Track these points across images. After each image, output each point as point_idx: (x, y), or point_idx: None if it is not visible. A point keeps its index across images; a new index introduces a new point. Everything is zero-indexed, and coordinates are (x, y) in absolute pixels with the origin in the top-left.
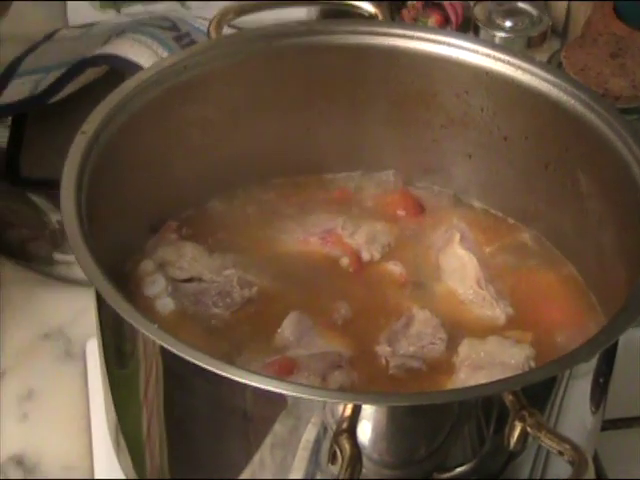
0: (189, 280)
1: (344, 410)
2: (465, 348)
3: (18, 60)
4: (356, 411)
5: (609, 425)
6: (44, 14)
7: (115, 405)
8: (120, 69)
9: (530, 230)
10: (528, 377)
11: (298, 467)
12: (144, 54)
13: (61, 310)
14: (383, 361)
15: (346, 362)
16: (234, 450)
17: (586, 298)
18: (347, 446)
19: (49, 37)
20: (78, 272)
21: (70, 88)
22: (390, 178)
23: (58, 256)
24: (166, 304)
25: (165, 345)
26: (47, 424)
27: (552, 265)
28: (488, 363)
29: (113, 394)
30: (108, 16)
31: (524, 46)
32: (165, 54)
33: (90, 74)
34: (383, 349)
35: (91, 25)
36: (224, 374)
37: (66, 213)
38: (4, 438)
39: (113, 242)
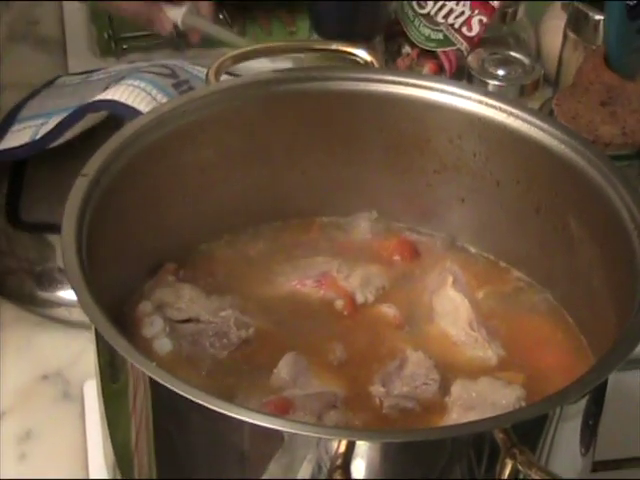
0: (187, 321)
1: (338, 447)
2: (457, 388)
3: (18, 107)
4: (350, 448)
5: (599, 466)
6: (45, 61)
7: (113, 445)
8: (119, 115)
9: (522, 273)
10: (518, 414)
11: None
12: (143, 100)
13: (59, 352)
14: (377, 401)
15: (341, 402)
16: None
17: (577, 341)
18: None
19: (49, 84)
20: (77, 314)
21: (70, 133)
22: (385, 223)
23: (45, 295)
24: (164, 344)
25: (164, 383)
26: (45, 464)
27: (544, 308)
28: (480, 403)
29: (111, 434)
30: (108, 64)
31: (517, 94)
32: (164, 100)
33: (90, 120)
34: (377, 390)
35: (91, 72)
36: (222, 411)
37: (67, 255)
38: (3, 478)
39: (112, 284)
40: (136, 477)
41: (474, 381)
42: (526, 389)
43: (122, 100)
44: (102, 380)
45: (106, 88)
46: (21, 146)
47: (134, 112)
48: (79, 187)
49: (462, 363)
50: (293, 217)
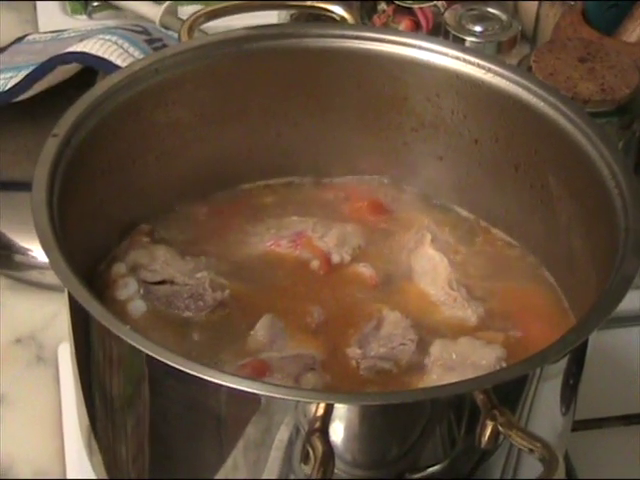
0: (161, 283)
1: (316, 410)
2: (437, 349)
3: None
4: (328, 411)
5: (579, 426)
6: (14, 20)
7: (87, 408)
8: (91, 66)
9: (501, 232)
10: (499, 376)
11: (271, 468)
12: (115, 52)
13: (33, 315)
14: (354, 363)
15: (319, 364)
16: (207, 452)
17: (558, 300)
18: (319, 446)
19: (19, 40)
20: (50, 277)
21: (39, 86)
22: (361, 182)
23: (17, 257)
24: (138, 307)
25: (138, 346)
26: (19, 429)
27: (523, 267)
28: (460, 364)
29: (85, 397)
30: (79, 23)
31: (494, 51)
32: (137, 54)
33: (60, 73)
34: (353, 351)
35: (62, 31)
36: (198, 375)
37: (38, 216)
38: None
39: (85, 245)
40: (110, 442)
41: (454, 341)
42: (506, 349)
43: (94, 52)
44: (75, 344)
45: (78, 42)
46: None
47: (106, 64)
48: (50, 147)
49: (441, 323)
50: (269, 177)
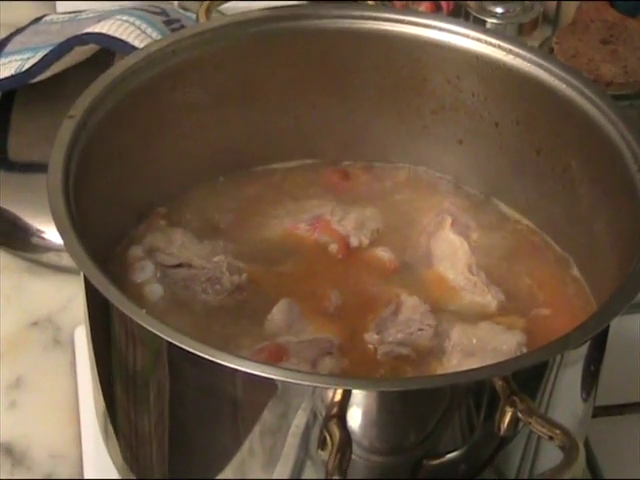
0: (178, 266)
1: (334, 395)
2: (457, 334)
3: (3, 42)
4: (346, 396)
5: (600, 412)
6: (34, 7)
7: (103, 392)
8: (108, 47)
9: (522, 217)
10: (519, 362)
11: (287, 454)
12: (132, 33)
13: (50, 298)
14: (372, 348)
15: (336, 349)
16: (223, 437)
17: (579, 285)
18: (337, 432)
19: (36, 21)
20: (66, 260)
21: (57, 67)
22: (381, 167)
23: (34, 240)
24: (155, 290)
25: (154, 330)
26: (35, 412)
27: (544, 252)
28: (480, 349)
29: (101, 381)
30: (97, 4)
31: (516, 33)
32: (154, 35)
33: (77, 54)
34: (371, 337)
35: (80, 12)
36: (214, 360)
37: (53, 199)
38: None
39: (101, 228)
40: (126, 427)
41: (474, 326)
42: (527, 334)
43: (111, 33)
44: (91, 327)
45: (95, 24)
46: (6, 78)
47: (124, 45)
48: (66, 129)
49: (461, 308)
50: (287, 160)
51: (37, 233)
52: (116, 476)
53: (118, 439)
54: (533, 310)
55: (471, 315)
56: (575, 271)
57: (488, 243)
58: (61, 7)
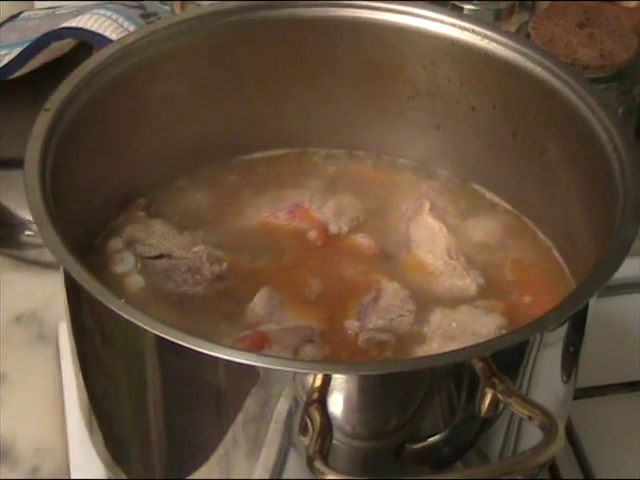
0: (158, 257)
1: (314, 381)
2: (437, 318)
3: None
4: (326, 381)
5: (582, 393)
6: (11, 4)
7: (86, 386)
8: (86, 41)
9: (500, 200)
10: (497, 343)
11: (271, 441)
12: (109, 27)
13: (33, 293)
14: (353, 335)
15: (318, 336)
16: (207, 426)
17: (557, 267)
18: (317, 417)
19: (13, 18)
20: (48, 255)
21: (35, 63)
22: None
23: (17, 236)
24: (135, 281)
25: (133, 320)
26: (21, 407)
27: (522, 235)
28: (460, 333)
29: (84, 375)
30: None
31: (493, 19)
32: (131, 28)
33: (55, 50)
34: (352, 324)
35: (57, 7)
36: (195, 348)
37: (30, 191)
38: None
39: (81, 220)
40: (110, 419)
41: (454, 310)
42: (507, 318)
43: (88, 27)
44: (72, 320)
45: (72, 18)
46: None
47: (101, 38)
48: (42, 122)
49: (441, 293)
50: (265, 149)
51: (20, 230)
52: (101, 469)
53: (102, 432)
54: (513, 294)
55: (451, 299)
56: (555, 254)
57: (467, 227)
58: (39, 4)
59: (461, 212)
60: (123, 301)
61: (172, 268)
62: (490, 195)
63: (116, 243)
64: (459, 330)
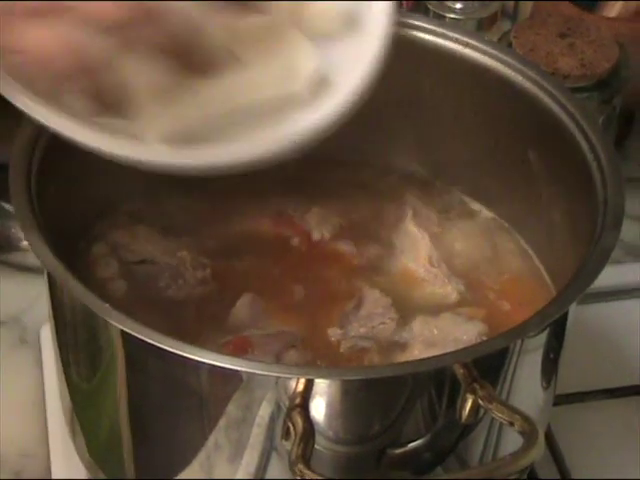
0: (142, 262)
1: (296, 385)
2: (418, 325)
3: None
4: (308, 386)
5: (562, 400)
6: None
7: (69, 389)
8: None
9: (482, 207)
10: (478, 349)
11: (253, 445)
12: None
13: (15, 297)
14: (335, 342)
15: (300, 342)
16: (190, 431)
17: (539, 275)
18: (300, 421)
19: None
20: (32, 259)
21: None
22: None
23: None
24: (119, 286)
25: (116, 324)
26: (3, 411)
27: (505, 242)
28: (441, 339)
29: (67, 379)
30: None
31: (475, 28)
32: None
33: None
34: (334, 332)
35: None
36: (178, 352)
37: (16, 194)
38: None
39: (65, 224)
40: (91, 423)
41: (435, 317)
42: (488, 325)
43: None
44: (56, 323)
45: None
46: None
47: None
48: (26, 127)
49: (422, 300)
50: None
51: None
52: (84, 472)
53: (84, 436)
54: (494, 301)
55: (432, 306)
56: (537, 262)
57: (450, 235)
58: None
59: (444, 220)
60: (107, 305)
61: (155, 273)
62: (473, 203)
63: (100, 248)
64: (440, 337)
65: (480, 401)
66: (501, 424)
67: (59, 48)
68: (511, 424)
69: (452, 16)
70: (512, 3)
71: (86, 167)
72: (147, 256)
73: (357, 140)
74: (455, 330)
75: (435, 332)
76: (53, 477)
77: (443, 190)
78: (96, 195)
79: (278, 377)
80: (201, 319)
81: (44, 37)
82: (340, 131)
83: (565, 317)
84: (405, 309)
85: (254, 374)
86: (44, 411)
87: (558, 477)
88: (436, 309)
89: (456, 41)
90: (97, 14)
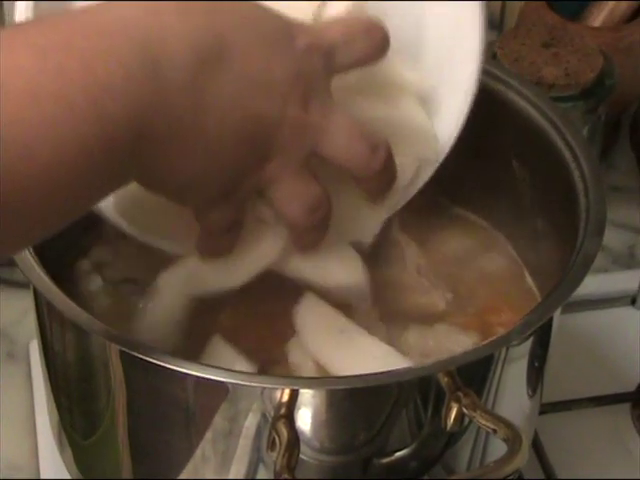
0: (124, 281)
1: (282, 396)
2: (413, 335)
3: None
4: (294, 396)
5: (548, 408)
6: None
7: (57, 403)
8: None
9: (468, 213)
10: (462, 357)
11: (240, 457)
12: None
13: (3, 312)
14: None
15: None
16: (177, 443)
17: (526, 283)
18: (285, 431)
19: None
20: (19, 274)
21: None
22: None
23: None
24: (103, 303)
25: (103, 338)
26: None
27: (492, 250)
28: (435, 350)
29: (54, 392)
30: None
31: None
32: None
33: None
34: None
35: None
36: (163, 364)
37: None
38: None
39: (51, 239)
40: (79, 437)
41: (430, 327)
42: (477, 332)
43: None
44: (42, 338)
45: None
46: None
47: None
48: None
49: (410, 309)
50: None
51: None
52: None
53: (73, 450)
54: (482, 310)
55: (421, 316)
56: (523, 269)
57: (436, 243)
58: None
59: (430, 226)
60: (92, 318)
61: (137, 293)
62: (460, 210)
63: (84, 265)
64: (434, 348)
65: (464, 409)
66: (487, 433)
67: None
68: (494, 432)
69: None
70: (498, 14)
71: None
72: (129, 275)
73: None
74: (449, 341)
75: (431, 344)
76: None
77: (430, 198)
78: None
79: (263, 388)
80: (184, 334)
81: None
82: None
83: (550, 325)
84: (393, 319)
85: (239, 385)
86: (34, 425)
87: None
88: (424, 318)
89: None
90: None
